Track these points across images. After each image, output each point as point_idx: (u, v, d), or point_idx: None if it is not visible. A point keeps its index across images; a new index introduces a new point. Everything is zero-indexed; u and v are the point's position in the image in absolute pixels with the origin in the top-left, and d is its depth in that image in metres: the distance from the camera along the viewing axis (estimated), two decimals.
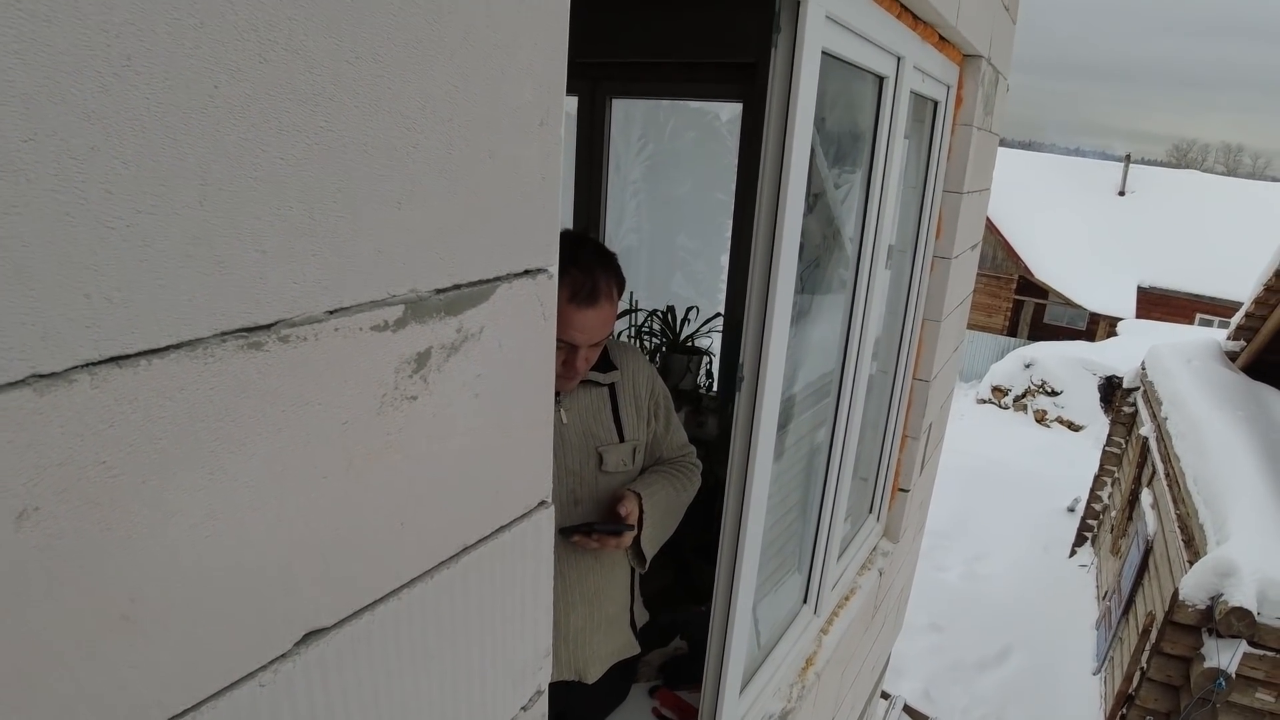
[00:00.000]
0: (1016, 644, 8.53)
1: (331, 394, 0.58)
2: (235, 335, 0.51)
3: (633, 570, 1.87)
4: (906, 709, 6.57)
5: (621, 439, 1.73)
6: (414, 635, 0.72)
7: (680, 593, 2.77)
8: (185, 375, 0.49)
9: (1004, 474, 13.94)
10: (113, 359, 0.45)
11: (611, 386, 1.73)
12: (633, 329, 3.58)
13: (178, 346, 0.48)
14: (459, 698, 0.80)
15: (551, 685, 0.99)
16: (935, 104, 2.58)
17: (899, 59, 1.97)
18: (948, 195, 2.64)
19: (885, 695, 5.88)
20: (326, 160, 0.54)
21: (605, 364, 1.72)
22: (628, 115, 3.81)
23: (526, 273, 0.75)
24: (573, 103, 3.61)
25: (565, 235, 1.30)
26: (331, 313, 0.57)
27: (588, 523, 1.63)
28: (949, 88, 2.61)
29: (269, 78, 0.49)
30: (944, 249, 2.66)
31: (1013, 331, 24.26)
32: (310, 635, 0.63)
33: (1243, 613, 4.66)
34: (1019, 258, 23.07)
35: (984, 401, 18.20)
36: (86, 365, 0.44)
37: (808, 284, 1.87)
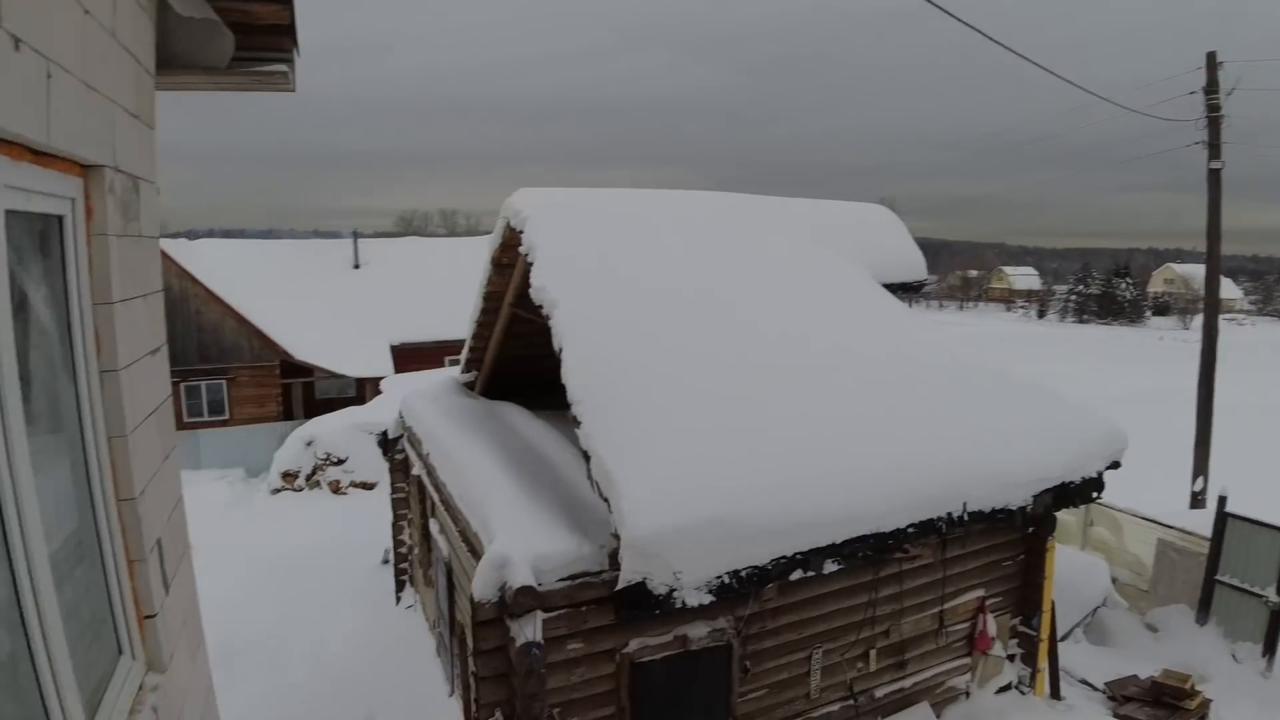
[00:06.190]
0: (377, 706, 8.77)
1: None
2: None
3: None
4: None
5: None
6: None
7: None
8: None
9: (311, 554, 14.18)
10: None
11: None
12: None
13: None
14: None
15: None
16: (60, 218, 2.44)
17: None
18: (99, 308, 2.54)
19: None
20: None
21: None
22: None
23: None
24: None
25: None
26: None
27: None
28: (73, 200, 2.50)
29: None
30: (109, 361, 2.55)
31: (289, 415, 24.60)
32: None
33: (526, 589, 5.56)
34: (276, 344, 23.47)
35: (279, 490, 18.09)
36: None
37: None
